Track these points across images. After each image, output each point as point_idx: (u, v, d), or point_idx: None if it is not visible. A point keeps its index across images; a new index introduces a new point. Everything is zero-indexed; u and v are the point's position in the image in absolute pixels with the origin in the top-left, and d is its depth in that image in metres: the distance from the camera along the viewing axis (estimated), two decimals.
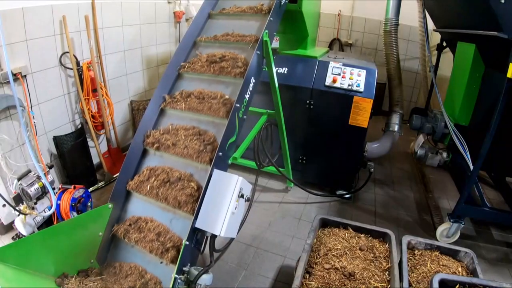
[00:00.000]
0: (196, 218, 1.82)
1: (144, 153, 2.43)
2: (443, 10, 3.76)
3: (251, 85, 2.33)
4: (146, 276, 2.06)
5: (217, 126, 2.33)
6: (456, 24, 3.54)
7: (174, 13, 4.91)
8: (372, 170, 3.76)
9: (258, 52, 2.41)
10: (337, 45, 6.59)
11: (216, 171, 1.94)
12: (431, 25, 4.23)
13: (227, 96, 2.39)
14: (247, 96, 2.28)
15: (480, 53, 3.35)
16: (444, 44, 4.49)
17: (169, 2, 4.77)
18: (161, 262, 2.06)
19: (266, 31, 2.47)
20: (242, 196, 1.94)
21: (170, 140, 2.33)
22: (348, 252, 2.31)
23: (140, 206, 2.30)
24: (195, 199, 2.06)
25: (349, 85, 3.30)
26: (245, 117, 2.30)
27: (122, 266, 2.15)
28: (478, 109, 3.49)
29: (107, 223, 2.22)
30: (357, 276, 2.10)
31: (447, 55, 4.55)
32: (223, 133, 2.05)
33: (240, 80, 2.34)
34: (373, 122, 5.23)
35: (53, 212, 2.94)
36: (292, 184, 3.90)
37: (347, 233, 2.50)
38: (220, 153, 2.02)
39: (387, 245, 2.42)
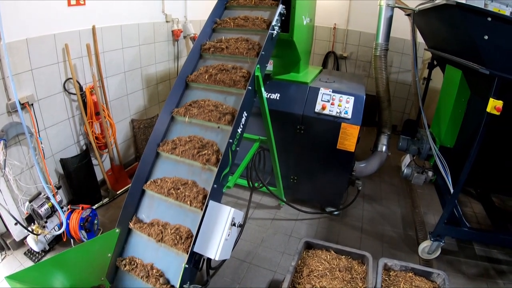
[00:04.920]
0: (194, 243, 2.03)
1: (200, 58, 3.07)
2: (432, 32, 3.85)
3: (243, 119, 2.49)
4: (204, 140, 2.53)
5: (260, 34, 3.00)
6: (444, 47, 3.61)
7: (172, 31, 5.03)
8: (360, 188, 3.95)
9: (250, 87, 2.56)
10: (332, 58, 6.74)
11: (211, 202, 2.14)
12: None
13: (266, 18, 3.08)
14: (239, 130, 2.45)
15: (466, 79, 3.41)
16: (435, 63, 4.56)
17: (167, 21, 4.90)
18: (218, 127, 2.56)
19: (258, 65, 2.64)
20: (234, 224, 2.14)
21: (224, 45, 2.95)
22: (328, 273, 2.52)
23: (198, 93, 2.86)
24: (246, 79, 2.68)
25: (337, 112, 3.46)
26: (237, 149, 2.47)
27: (180, 139, 2.60)
28: (462, 132, 3.56)
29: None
30: None
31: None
32: (218, 167, 2.24)
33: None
34: (366, 134, 5.42)
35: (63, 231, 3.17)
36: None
37: (329, 255, 2.71)
38: (215, 185, 2.21)
39: (365, 266, 2.63)
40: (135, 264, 2.33)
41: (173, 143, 2.58)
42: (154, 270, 2.25)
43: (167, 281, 2.20)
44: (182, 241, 2.21)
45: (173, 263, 2.24)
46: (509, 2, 3.03)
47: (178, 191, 2.37)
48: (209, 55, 3.03)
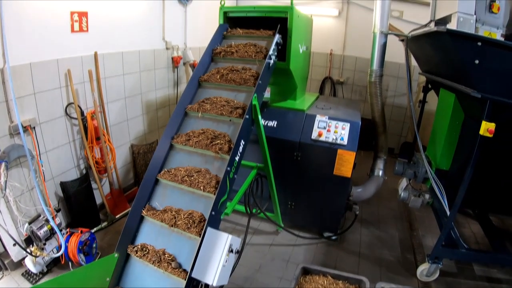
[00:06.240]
0: (192, 269, 2.06)
1: (211, 61, 3.36)
2: (425, 57, 3.92)
3: (241, 148, 2.56)
4: (216, 132, 2.72)
5: (267, 40, 3.30)
6: (437, 72, 3.67)
7: (172, 58, 5.14)
8: (357, 212, 3.98)
9: (247, 116, 2.64)
10: (329, 83, 6.85)
11: (209, 229, 2.18)
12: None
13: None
14: (237, 158, 2.52)
15: (460, 102, 3.46)
16: (430, 86, 4.61)
17: (167, 48, 5.02)
18: (230, 120, 2.78)
19: (255, 94, 2.72)
20: (231, 251, 2.17)
21: (233, 49, 3.24)
22: None
23: (210, 91, 3.10)
24: (255, 78, 2.94)
25: (333, 139, 3.51)
26: (235, 176, 2.52)
27: (194, 131, 2.78)
28: (457, 155, 3.59)
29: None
30: None
31: None
32: (216, 195, 2.29)
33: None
34: (364, 158, 5.46)
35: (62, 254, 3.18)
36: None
37: (326, 280, 2.72)
38: (213, 212, 2.26)
39: None
40: (147, 250, 2.39)
41: (186, 136, 2.77)
42: (166, 255, 2.31)
43: (179, 265, 2.27)
44: (195, 224, 2.30)
45: (185, 247, 2.32)
46: (499, 25, 3.10)
47: (192, 178, 2.49)
48: (220, 59, 3.32)
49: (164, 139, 2.80)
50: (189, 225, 2.30)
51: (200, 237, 2.18)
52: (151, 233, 2.49)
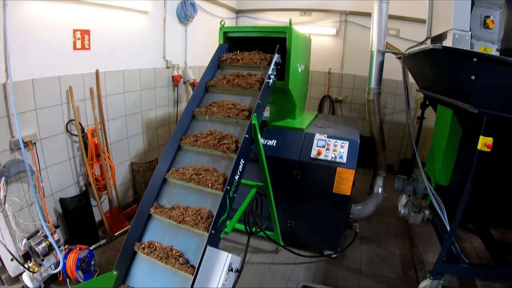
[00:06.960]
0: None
1: (218, 68, 3.51)
2: (422, 74, 3.95)
3: (240, 167, 2.57)
4: (223, 133, 2.82)
5: None
6: (434, 88, 3.69)
7: (173, 77, 5.19)
8: (357, 230, 3.95)
9: (246, 135, 2.67)
10: (328, 101, 6.91)
11: (209, 248, 2.17)
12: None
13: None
14: (236, 177, 2.53)
15: (457, 118, 3.46)
16: (427, 102, 4.57)
17: (167, 67, 5.07)
18: (236, 122, 2.91)
19: (255, 114, 2.76)
20: (231, 270, 2.16)
21: (239, 57, 3.40)
22: None
23: (217, 96, 3.24)
24: (260, 83, 3.07)
25: (332, 157, 3.54)
26: (235, 195, 2.53)
27: (202, 133, 2.89)
28: (456, 170, 3.59)
29: None
30: None
31: None
32: (216, 212, 2.28)
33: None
34: (363, 175, 5.46)
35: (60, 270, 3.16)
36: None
37: None
38: (213, 231, 2.25)
39: None
40: (154, 247, 2.41)
41: (194, 137, 2.88)
42: (174, 251, 2.33)
43: (187, 261, 2.28)
44: (203, 221, 2.34)
45: (193, 244, 2.34)
46: (495, 40, 3.14)
47: (200, 176, 2.56)
48: (226, 65, 3.48)
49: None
50: (197, 221, 2.35)
51: (208, 232, 2.22)
52: (159, 231, 2.53)
